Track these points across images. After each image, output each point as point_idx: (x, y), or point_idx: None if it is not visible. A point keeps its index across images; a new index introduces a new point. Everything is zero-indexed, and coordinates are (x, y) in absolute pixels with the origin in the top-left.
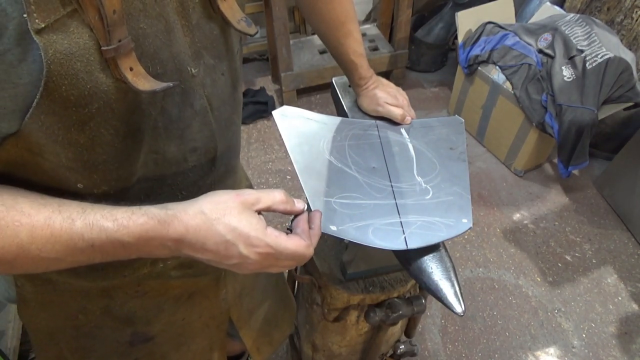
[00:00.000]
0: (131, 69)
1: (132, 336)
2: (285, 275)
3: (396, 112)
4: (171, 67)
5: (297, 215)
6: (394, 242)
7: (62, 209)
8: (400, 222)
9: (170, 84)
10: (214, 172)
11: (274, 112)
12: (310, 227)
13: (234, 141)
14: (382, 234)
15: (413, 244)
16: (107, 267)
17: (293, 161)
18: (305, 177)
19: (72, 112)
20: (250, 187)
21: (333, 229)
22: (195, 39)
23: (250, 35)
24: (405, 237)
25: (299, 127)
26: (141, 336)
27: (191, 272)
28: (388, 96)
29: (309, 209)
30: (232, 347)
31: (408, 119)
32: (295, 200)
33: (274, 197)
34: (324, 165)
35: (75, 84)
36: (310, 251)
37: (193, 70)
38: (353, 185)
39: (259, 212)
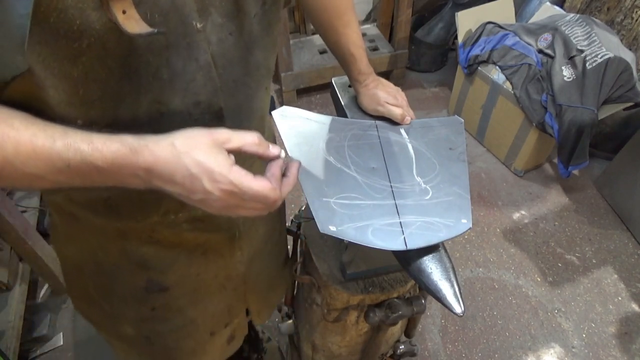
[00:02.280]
0: (124, 12)
1: (148, 282)
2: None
3: (396, 112)
4: (174, 18)
5: (272, 160)
6: (394, 243)
7: (47, 128)
8: (400, 222)
9: (155, 30)
10: (224, 125)
11: (273, 113)
12: (285, 175)
13: (247, 103)
14: (382, 235)
15: (413, 245)
16: (120, 208)
17: None
18: (305, 178)
19: (63, 44)
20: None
21: (332, 229)
22: None
23: None
24: (404, 238)
25: (298, 127)
26: (156, 284)
27: (202, 226)
28: (388, 96)
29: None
30: None
31: (408, 119)
32: (271, 145)
33: (246, 138)
34: (323, 165)
35: (64, 18)
36: (275, 194)
37: (198, 25)
38: (352, 185)
39: (235, 153)
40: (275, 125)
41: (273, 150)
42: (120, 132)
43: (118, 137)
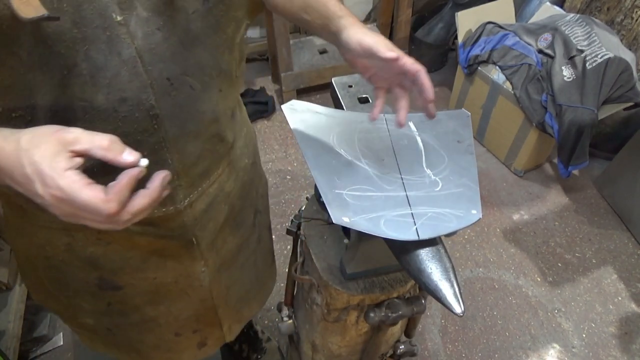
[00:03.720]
0: None
1: (100, 280)
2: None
3: (383, 46)
4: (89, 9)
5: (127, 167)
6: (406, 233)
7: None
8: (412, 213)
9: (45, 14)
10: (160, 131)
11: (283, 106)
12: (146, 187)
13: (191, 104)
14: (394, 225)
15: (425, 235)
16: None
17: (304, 154)
18: (317, 170)
19: None
20: (264, 184)
21: (346, 220)
22: None
23: None
24: (416, 228)
25: (308, 120)
26: (109, 283)
27: (153, 230)
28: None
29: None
30: None
31: (401, 57)
32: (128, 151)
33: (94, 140)
34: (334, 158)
35: None
36: (108, 207)
37: (118, 18)
38: (363, 177)
39: (84, 156)
40: (276, 125)
41: (127, 157)
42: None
43: None
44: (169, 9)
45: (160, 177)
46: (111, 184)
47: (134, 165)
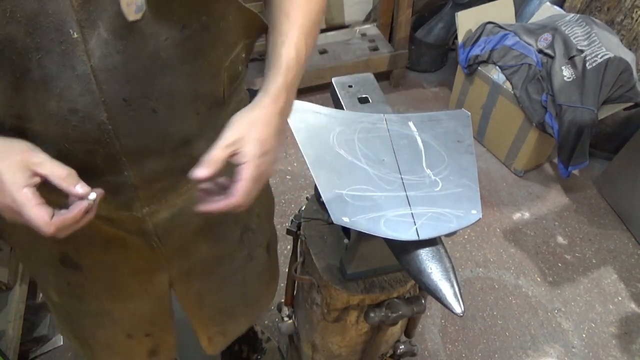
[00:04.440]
0: None
1: (62, 255)
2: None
3: (218, 148)
4: (45, 22)
5: (77, 199)
6: (406, 233)
7: None
8: (412, 213)
9: None
10: (114, 145)
11: None
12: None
13: (154, 126)
14: (394, 225)
15: (425, 235)
16: None
17: (304, 154)
18: (317, 170)
19: None
20: (264, 204)
21: (345, 220)
22: (90, 7)
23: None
24: (416, 228)
25: (308, 120)
26: (70, 260)
27: (112, 223)
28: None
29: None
30: None
31: (201, 172)
32: (80, 184)
33: (54, 169)
34: (334, 158)
35: None
36: (47, 229)
37: (75, 35)
38: (363, 177)
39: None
40: None
41: (78, 189)
42: (10, 122)
43: None
44: (133, 34)
45: (78, 207)
46: (61, 211)
47: (84, 197)
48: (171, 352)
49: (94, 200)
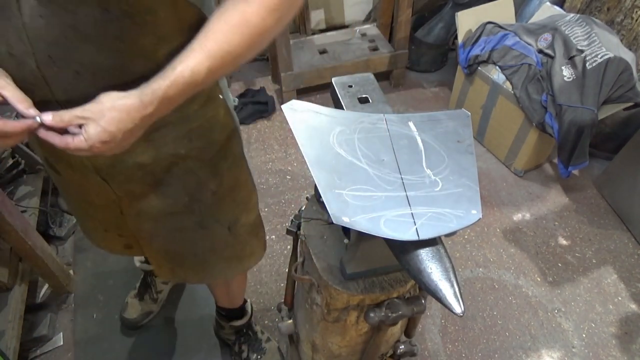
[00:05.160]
0: None
1: (45, 159)
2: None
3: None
4: None
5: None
6: (406, 233)
7: None
8: (412, 213)
9: None
10: (47, 90)
11: (283, 106)
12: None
13: (76, 85)
14: (394, 225)
15: (425, 235)
16: None
17: (304, 154)
18: (317, 170)
19: None
20: (224, 187)
21: (346, 220)
22: None
23: None
24: (416, 228)
25: (308, 120)
26: (51, 164)
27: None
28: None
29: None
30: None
31: (48, 116)
32: (32, 109)
33: (15, 93)
34: (334, 158)
35: None
36: None
37: None
38: (363, 177)
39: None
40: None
41: (29, 111)
42: None
43: None
44: (53, 5)
45: (24, 122)
46: (9, 121)
47: (32, 118)
48: (150, 253)
49: (39, 122)
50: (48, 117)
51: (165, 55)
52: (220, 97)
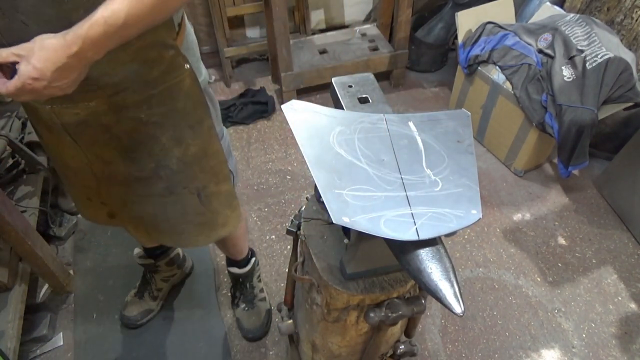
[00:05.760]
0: None
1: (28, 119)
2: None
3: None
4: None
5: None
6: (406, 233)
7: None
8: (412, 213)
9: None
10: (2, 43)
11: (283, 106)
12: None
13: (28, 37)
14: (394, 225)
15: (425, 235)
16: None
17: (304, 154)
18: (317, 170)
19: None
20: (190, 153)
21: (346, 220)
22: None
23: None
24: (416, 228)
25: (308, 120)
26: (34, 126)
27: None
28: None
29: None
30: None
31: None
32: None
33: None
34: (334, 158)
35: None
36: None
37: None
38: (363, 177)
39: None
40: (276, 125)
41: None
42: None
43: None
44: None
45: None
46: None
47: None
48: (127, 219)
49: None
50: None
51: None
52: (187, 66)
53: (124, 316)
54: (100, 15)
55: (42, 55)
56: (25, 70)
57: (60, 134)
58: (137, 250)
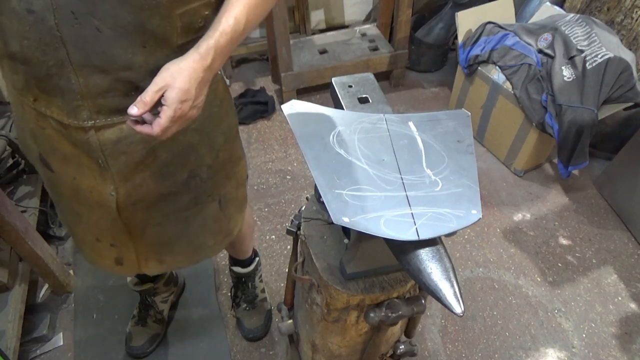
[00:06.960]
0: None
1: (40, 155)
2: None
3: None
4: None
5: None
6: (406, 233)
7: None
8: (412, 213)
9: None
10: (62, 51)
11: (283, 106)
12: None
13: (96, 43)
14: (394, 225)
15: (425, 235)
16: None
17: (304, 154)
18: (317, 170)
19: None
20: (219, 161)
21: (345, 220)
22: None
23: None
24: (416, 228)
25: (308, 120)
26: (44, 161)
27: (65, 133)
28: (170, 79)
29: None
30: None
31: (134, 110)
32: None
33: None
34: (334, 158)
35: None
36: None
37: None
38: (363, 177)
39: None
40: (276, 125)
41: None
42: None
43: None
44: None
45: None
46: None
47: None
48: (134, 267)
49: (132, 119)
50: (133, 110)
51: (178, 15)
52: (219, 72)
53: (132, 347)
54: (227, 24)
55: (183, 76)
56: (172, 96)
57: (82, 162)
58: (130, 279)
